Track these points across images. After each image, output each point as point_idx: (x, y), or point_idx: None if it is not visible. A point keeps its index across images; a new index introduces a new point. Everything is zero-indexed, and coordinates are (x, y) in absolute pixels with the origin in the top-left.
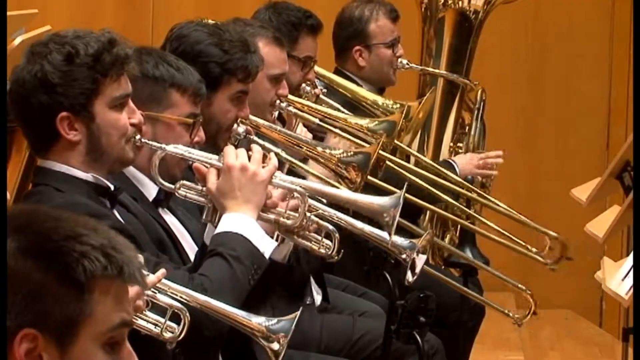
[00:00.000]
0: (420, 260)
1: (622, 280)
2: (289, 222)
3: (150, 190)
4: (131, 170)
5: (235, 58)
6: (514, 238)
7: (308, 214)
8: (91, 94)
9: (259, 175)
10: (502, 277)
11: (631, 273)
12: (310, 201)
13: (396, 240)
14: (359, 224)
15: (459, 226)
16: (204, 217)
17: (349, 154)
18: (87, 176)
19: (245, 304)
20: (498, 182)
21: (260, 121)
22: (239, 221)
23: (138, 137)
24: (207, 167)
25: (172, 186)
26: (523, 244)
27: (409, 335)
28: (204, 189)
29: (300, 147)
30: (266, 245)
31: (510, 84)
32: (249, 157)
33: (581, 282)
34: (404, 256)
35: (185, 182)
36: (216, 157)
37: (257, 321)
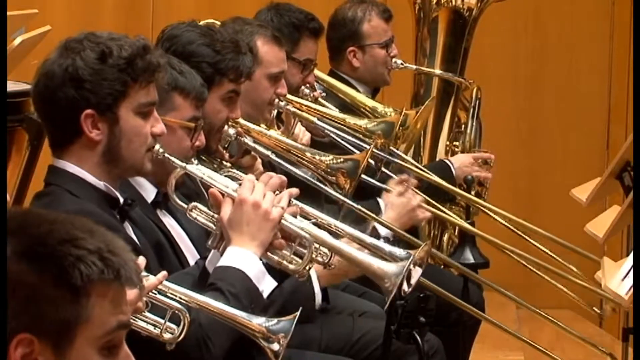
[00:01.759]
0: (417, 272)
1: (622, 280)
2: (291, 267)
3: (149, 193)
4: None
5: (227, 58)
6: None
7: (314, 253)
8: (119, 95)
9: (269, 214)
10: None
11: (631, 273)
12: (308, 208)
13: (393, 251)
14: (355, 233)
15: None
16: (209, 242)
17: (339, 160)
18: (99, 184)
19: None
20: (498, 182)
21: (252, 126)
22: (243, 257)
23: (162, 150)
24: (222, 194)
25: (186, 206)
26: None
27: (409, 335)
28: (217, 216)
29: (291, 152)
30: (266, 285)
31: (510, 84)
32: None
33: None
34: None
35: (198, 205)
36: (235, 185)
37: (257, 322)
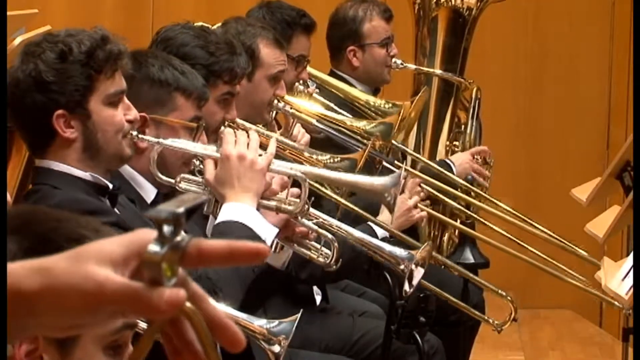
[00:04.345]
0: (419, 272)
1: (622, 280)
2: (290, 208)
3: (149, 193)
4: (129, 172)
5: (221, 60)
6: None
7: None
8: (86, 90)
9: (256, 163)
10: (484, 283)
11: (631, 273)
12: (311, 209)
13: (394, 251)
14: (357, 234)
15: (459, 223)
16: (205, 209)
17: (336, 160)
18: (86, 175)
19: (242, 307)
20: (498, 182)
21: (249, 125)
22: (239, 209)
23: (135, 133)
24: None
25: (173, 181)
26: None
27: (409, 335)
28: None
29: (288, 152)
30: (268, 232)
31: (510, 84)
32: (248, 145)
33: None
34: (401, 267)
35: (185, 175)
36: (214, 147)
37: (259, 323)
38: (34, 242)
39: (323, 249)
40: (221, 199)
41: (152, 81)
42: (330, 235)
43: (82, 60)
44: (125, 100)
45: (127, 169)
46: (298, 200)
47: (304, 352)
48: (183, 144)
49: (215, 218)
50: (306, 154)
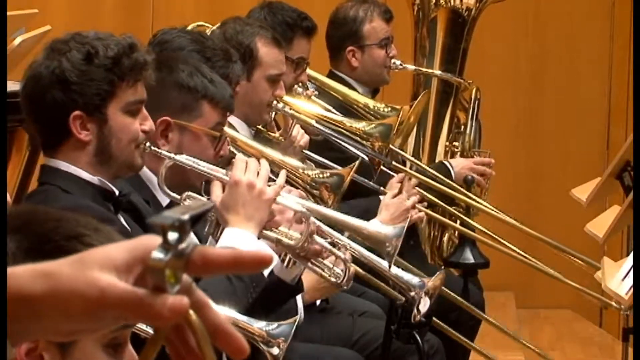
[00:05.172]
0: (426, 302)
1: (622, 280)
2: (291, 242)
3: (164, 196)
4: (147, 174)
5: (217, 66)
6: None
7: (311, 234)
8: (106, 95)
9: (265, 193)
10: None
11: (631, 273)
12: (324, 227)
13: (408, 279)
14: (369, 255)
15: (458, 224)
16: (206, 230)
17: (326, 174)
18: (93, 179)
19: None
20: (498, 182)
21: (238, 135)
22: (240, 237)
23: (148, 144)
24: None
25: (178, 197)
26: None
27: (409, 335)
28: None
29: (275, 164)
30: None
31: (510, 84)
32: (258, 173)
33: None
34: (412, 294)
35: (190, 193)
36: (223, 170)
37: (258, 326)
38: (34, 242)
39: (335, 268)
40: (224, 223)
41: (181, 87)
42: (342, 256)
43: (107, 65)
44: (144, 110)
45: (145, 171)
46: (299, 236)
47: (301, 345)
48: (194, 162)
49: (215, 240)
50: (300, 171)
